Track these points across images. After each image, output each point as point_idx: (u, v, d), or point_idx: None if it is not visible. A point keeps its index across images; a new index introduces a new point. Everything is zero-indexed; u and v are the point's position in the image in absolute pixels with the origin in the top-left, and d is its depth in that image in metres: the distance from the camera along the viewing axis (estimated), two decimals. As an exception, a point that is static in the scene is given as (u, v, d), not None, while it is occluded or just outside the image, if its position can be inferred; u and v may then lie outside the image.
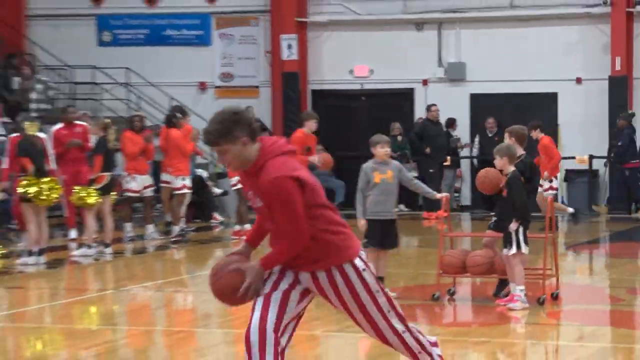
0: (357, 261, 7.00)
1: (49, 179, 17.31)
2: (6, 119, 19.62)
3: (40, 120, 20.47)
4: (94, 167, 18.59)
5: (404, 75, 27.08)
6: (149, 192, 20.98)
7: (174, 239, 20.80)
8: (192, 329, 13.36)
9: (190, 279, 17.75)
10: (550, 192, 20.47)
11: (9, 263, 17.29)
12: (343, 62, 27.55)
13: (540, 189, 18.59)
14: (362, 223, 13.37)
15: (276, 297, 6.93)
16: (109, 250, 18.90)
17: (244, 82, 28.18)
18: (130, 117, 21.99)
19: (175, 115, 21.40)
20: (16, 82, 25.88)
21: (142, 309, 14.85)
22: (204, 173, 22.92)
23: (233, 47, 28.25)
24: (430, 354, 7.40)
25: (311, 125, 19.49)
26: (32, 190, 17.07)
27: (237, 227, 21.51)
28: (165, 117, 21.53)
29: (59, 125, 19.16)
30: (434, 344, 7.49)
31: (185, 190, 20.97)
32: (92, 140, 18.91)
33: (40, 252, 17.40)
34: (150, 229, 21.26)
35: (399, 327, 7.21)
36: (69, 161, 18.36)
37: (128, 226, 21.50)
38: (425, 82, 27.27)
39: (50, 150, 18.13)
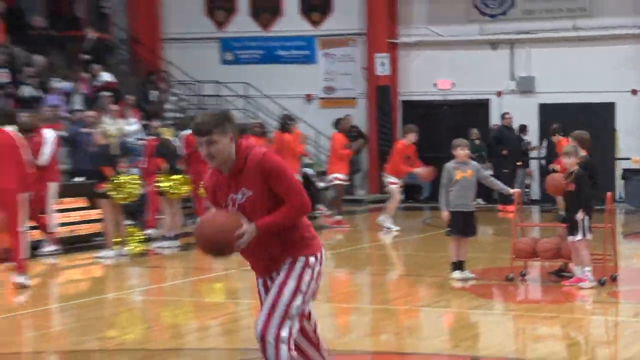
0: (312, 258, 6.30)
1: (179, 176, 17.52)
2: (145, 122, 19.89)
3: (173, 127, 20.70)
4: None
5: (481, 87, 26.91)
6: None
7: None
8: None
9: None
10: None
11: (148, 247, 17.47)
12: (428, 77, 27.45)
13: None
14: (445, 214, 13.36)
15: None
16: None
17: (343, 94, 28.20)
18: (252, 125, 22.11)
19: (287, 122, 21.49)
20: (154, 95, 26.22)
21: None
22: (310, 171, 22.96)
23: (334, 65, 28.30)
24: None
25: (411, 137, 19.49)
26: (166, 185, 17.29)
27: (338, 217, 21.54)
28: (279, 123, 21.59)
29: (188, 131, 19.33)
30: None
31: None
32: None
33: (175, 237, 17.61)
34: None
35: (284, 334, 6.15)
36: (195, 161, 18.49)
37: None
38: (499, 94, 27.05)
39: (181, 152, 18.33)
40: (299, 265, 6.24)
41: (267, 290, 6.35)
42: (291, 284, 6.20)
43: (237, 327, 11.32)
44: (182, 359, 9.73)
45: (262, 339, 6.17)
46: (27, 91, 22.38)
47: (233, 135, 6.08)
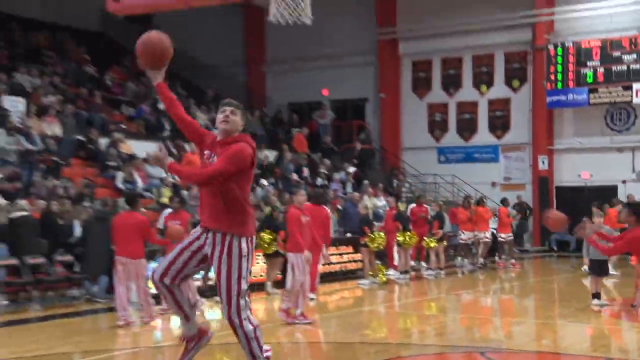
0: (246, 243, 5.17)
1: (409, 232, 17.37)
2: (390, 199, 19.85)
3: (406, 203, 20.61)
4: (433, 227, 18.48)
5: (611, 177, 25.34)
6: (469, 241, 20.60)
7: (479, 266, 20.31)
8: (489, 317, 12.87)
9: (491, 289, 17.16)
10: None
11: (387, 279, 17.33)
12: (574, 170, 26.14)
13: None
14: (586, 260, 12.67)
15: (174, 254, 5.30)
16: (442, 272, 18.65)
17: (516, 181, 27.20)
18: (461, 201, 21.91)
19: (482, 200, 21.14)
20: (395, 183, 26.34)
21: (464, 304, 14.46)
22: (494, 231, 22.19)
23: (510, 163, 27.47)
24: (260, 346, 5.24)
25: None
26: (401, 239, 17.17)
27: (512, 261, 20.86)
28: (475, 200, 21.21)
29: (413, 205, 19.18)
30: (267, 351, 5.33)
31: (487, 240, 20.51)
32: (431, 213, 18.82)
33: (404, 272, 17.41)
34: (466, 261, 20.83)
35: (243, 314, 5.16)
36: (418, 225, 18.24)
37: (459, 259, 21.14)
38: (624, 182, 25.38)
39: (409, 218, 18.17)
40: (236, 253, 5.13)
41: (192, 242, 5.27)
42: (234, 273, 5.12)
43: (444, 331, 10.98)
44: (409, 350, 9.49)
45: (230, 324, 5.25)
46: (319, 181, 22.96)
47: (244, 126, 5.31)
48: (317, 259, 13.43)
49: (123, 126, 20.52)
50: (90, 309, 12.71)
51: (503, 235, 20.86)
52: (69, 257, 13.74)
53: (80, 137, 18.83)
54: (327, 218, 13.12)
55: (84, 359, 8.75)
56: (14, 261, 12.85)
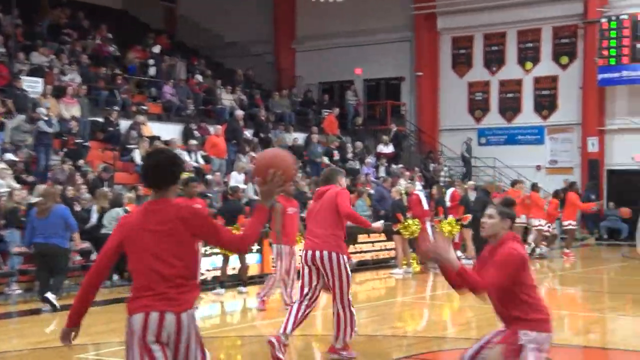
0: None
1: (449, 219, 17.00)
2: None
3: (444, 187, 20.12)
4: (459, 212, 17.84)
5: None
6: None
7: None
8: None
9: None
10: None
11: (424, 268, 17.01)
12: (627, 153, 25.42)
13: None
14: (639, 250, 12.28)
15: None
16: (471, 261, 18.24)
17: (563, 165, 26.68)
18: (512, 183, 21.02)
19: (536, 185, 20.34)
20: (432, 166, 26.03)
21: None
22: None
23: (557, 145, 26.90)
24: None
25: None
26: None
27: (566, 250, 20.13)
28: (531, 185, 20.59)
29: (453, 189, 18.82)
30: None
31: (541, 228, 19.37)
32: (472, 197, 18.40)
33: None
34: (544, 248, 19.91)
35: None
36: (454, 211, 17.85)
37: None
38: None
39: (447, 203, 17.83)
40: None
41: None
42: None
43: (484, 324, 10.69)
44: (446, 344, 9.27)
45: None
46: (350, 164, 22.76)
47: None
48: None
49: (144, 107, 20.51)
50: (114, 297, 12.70)
51: (573, 222, 19.73)
52: (86, 245, 13.65)
53: (99, 119, 18.85)
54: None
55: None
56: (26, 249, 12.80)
